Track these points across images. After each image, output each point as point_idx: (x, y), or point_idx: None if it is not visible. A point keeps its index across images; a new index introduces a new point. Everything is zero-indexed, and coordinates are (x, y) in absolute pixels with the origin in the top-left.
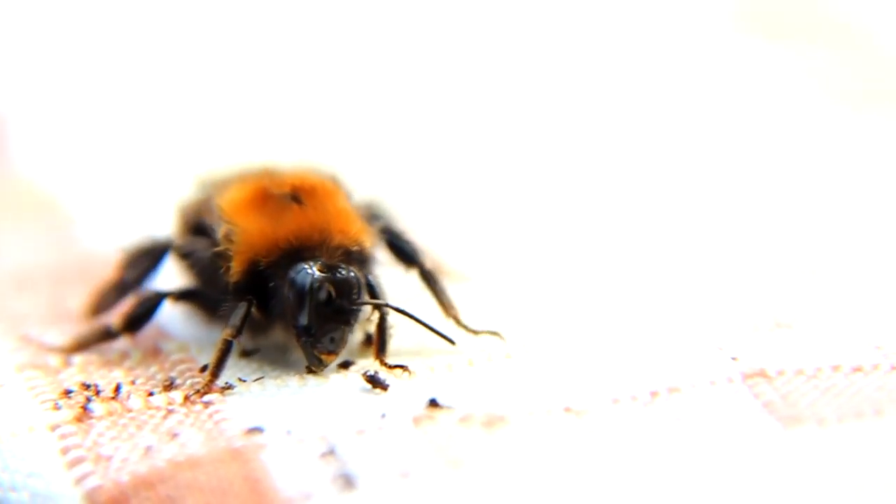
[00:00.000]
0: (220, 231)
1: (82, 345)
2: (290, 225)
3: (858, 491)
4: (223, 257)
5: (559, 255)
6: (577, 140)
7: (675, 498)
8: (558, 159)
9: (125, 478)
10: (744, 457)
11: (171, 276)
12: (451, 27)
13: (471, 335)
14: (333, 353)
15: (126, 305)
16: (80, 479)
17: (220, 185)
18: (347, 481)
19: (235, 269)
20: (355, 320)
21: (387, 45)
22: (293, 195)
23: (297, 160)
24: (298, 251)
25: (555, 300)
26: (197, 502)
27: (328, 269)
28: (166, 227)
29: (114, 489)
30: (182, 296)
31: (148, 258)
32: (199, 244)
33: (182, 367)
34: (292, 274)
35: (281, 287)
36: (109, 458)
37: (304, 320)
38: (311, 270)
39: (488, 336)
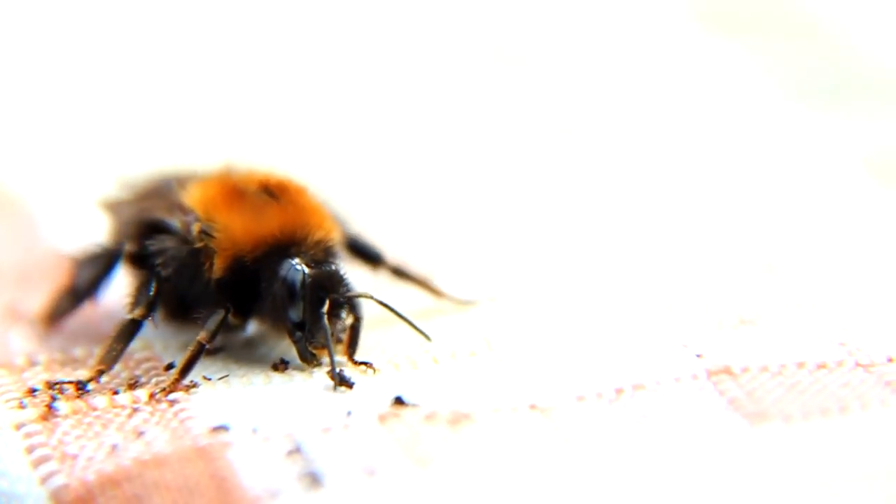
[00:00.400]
0: (193, 229)
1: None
2: (272, 220)
3: (824, 488)
4: (201, 255)
5: (523, 253)
6: (540, 138)
7: (641, 495)
8: (524, 157)
9: (91, 476)
10: (709, 454)
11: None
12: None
13: (467, 306)
14: (324, 347)
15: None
16: (45, 478)
17: (163, 185)
18: (314, 480)
19: (218, 265)
20: (345, 313)
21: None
22: (267, 191)
23: (251, 160)
24: (283, 246)
25: (519, 298)
26: (163, 501)
27: (316, 263)
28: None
29: (80, 488)
30: (151, 304)
31: (100, 263)
32: (168, 243)
33: (147, 365)
34: (283, 270)
35: (266, 283)
36: (75, 457)
37: (297, 316)
38: (302, 266)
39: (486, 302)
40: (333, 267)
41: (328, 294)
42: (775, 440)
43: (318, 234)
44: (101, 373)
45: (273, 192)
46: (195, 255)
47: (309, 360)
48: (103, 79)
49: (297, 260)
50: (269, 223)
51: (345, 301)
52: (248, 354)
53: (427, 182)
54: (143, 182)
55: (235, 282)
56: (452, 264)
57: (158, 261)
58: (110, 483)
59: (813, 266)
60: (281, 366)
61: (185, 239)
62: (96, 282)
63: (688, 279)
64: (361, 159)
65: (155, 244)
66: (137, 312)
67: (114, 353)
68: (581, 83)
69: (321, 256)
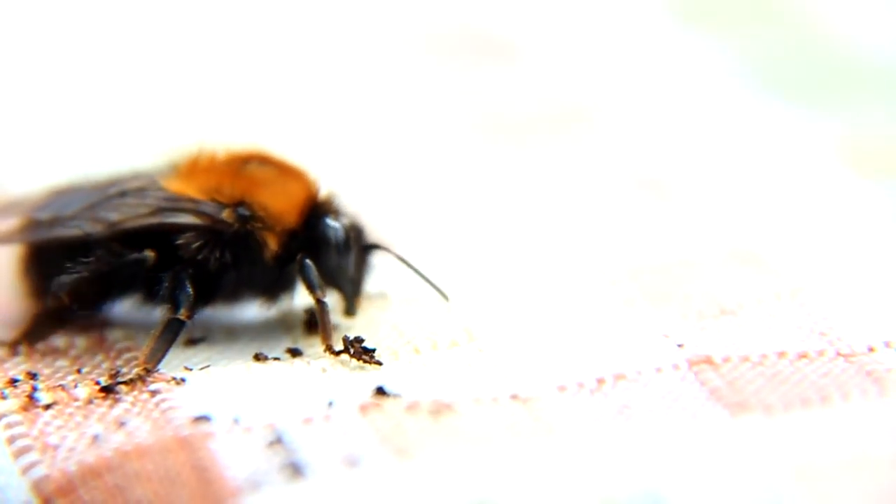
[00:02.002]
0: (225, 216)
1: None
2: (294, 188)
3: (805, 479)
4: (248, 239)
5: (505, 245)
6: (520, 133)
7: (622, 485)
8: (504, 151)
9: (72, 467)
10: (690, 444)
11: None
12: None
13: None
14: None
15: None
16: (26, 469)
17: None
18: (295, 470)
19: (273, 243)
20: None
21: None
22: (259, 163)
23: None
24: (314, 209)
25: (501, 288)
26: (145, 491)
27: (347, 218)
28: None
29: (61, 479)
30: (193, 303)
31: (119, 276)
32: (197, 238)
33: (128, 355)
34: (331, 230)
35: (312, 248)
36: (56, 448)
37: (352, 270)
38: (345, 222)
39: (378, 297)
40: (355, 217)
41: (367, 243)
42: (756, 431)
43: (321, 191)
44: (147, 371)
45: (265, 163)
46: (237, 241)
47: (353, 312)
48: (88, 67)
49: (335, 219)
50: (294, 191)
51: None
52: (229, 345)
53: (407, 176)
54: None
55: (288, 255)
56: (434, 257)
57: (197, 256)
58: (91, 474)
59: (793, 256)
60: (262, 356)
61: (213, 229)
62: (110, 297)
63: (669, 269)
64: (343, 154)
65: (184, 241)
66: (183, 313)
67: (159, 353)
68: (559, 77)
69: (337, 209)
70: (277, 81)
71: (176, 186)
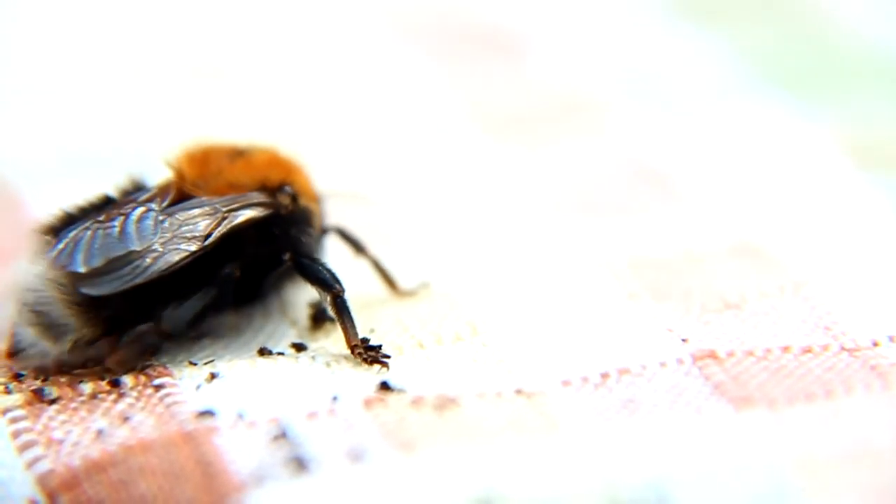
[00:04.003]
0: (282, 200)
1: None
2: (302, 168)
3: (808, 473)
4: (298, 222)
5: (509, 239)
6: (518, 126)
7: (626, 479)
8: (504, 146)
9: (77, 462)
10: (694, 439)
11: None
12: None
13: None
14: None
15: None
16: (31, 464)
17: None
18: (299, 465)
19: (318, 222)
20: None
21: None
22: (259, 150)
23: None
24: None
25: (505, 283)
26: (149, 486)
27: None
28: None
29: (65, 473)
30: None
31: (213, 293)
32: (266, 228)
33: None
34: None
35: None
36: (61, 442)
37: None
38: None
39: (421, 288)
40: None
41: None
42: (760, 425)
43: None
44: (361, 347)
45: (264, 151)
46: (294, 220)
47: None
48: (89, 58)
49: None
50: (304, 171)
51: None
52: (233, 339)
53: (411, 171)
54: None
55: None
56: (436, 250)
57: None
58: (96, 468)
59: (797, 250)
60: (267, 351)
61: (276, 215)
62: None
63: (672, 264)
64: (347, 150)
65: (253, 234)
66: (339, 287)
67: (353, 328)
68: (562, 71)
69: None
70: (281, 76)
71: (213, 185)
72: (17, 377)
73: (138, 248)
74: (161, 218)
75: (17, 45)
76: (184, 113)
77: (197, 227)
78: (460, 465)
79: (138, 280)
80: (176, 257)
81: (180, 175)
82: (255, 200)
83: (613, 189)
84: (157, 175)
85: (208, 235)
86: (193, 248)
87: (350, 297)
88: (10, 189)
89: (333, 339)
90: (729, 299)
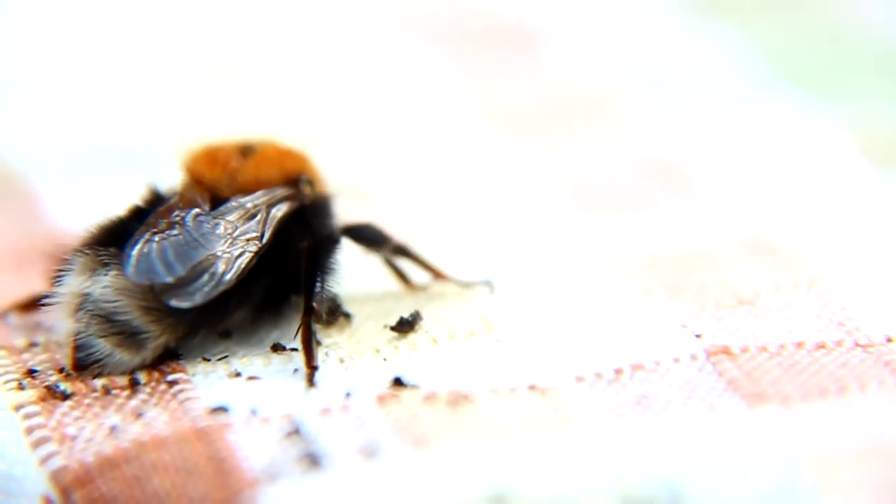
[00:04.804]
0: (305, 188)
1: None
2: (310, 157)
3: (822, 469)
4: (325, 204)
5: (523, 235)
6: (531, 122)
7: (639, 476)
8: (518, 142)
9: (90, 458)
10: (708, 435)
11: None
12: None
13: (467, 289)
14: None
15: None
16: (44, 460)
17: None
18: (313, 461)
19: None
20: None
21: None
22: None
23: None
24: None
25: (519, 279)
26: (162, 482)
27: None
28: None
29: (79, 469)
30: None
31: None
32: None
33: None
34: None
35: None
36: (74, 439)
37: None
38: None
39: (481, 285)
40: None
41: None
42: (773, 421)
43: None
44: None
45: (267, 144)
46: (316, 210)
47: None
48: (103, 55)
49: None
50: (313, 161)
51: None
52: (247, 336)
53: (426, 167)
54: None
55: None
56: (450, 247)
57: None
58: (109, 464)
59: (811, 246)
60: (280, 347)
61: (303, 206)
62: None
63: (687, 260)
64: (360, 146)
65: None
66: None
67: None
68: (576, 66)
69: None
70: (293, 73)
71: (237, 184)
72: (31, 373)
73: (212, 254)
74: (215, 222)
75: (32, 42)
76: (196, 109)
77: (250, 227)
78: (473, 462)
79: (223, 286)
80: (245, 259)
81: (199, 177)
82: (284, 194)
83: (628, 185)
84: (168, 172)
85: (262, 234)
86: (254, 248)
87: (364, 291)
88: (26, 186)
89: (347, 335)
90: (743, 295)
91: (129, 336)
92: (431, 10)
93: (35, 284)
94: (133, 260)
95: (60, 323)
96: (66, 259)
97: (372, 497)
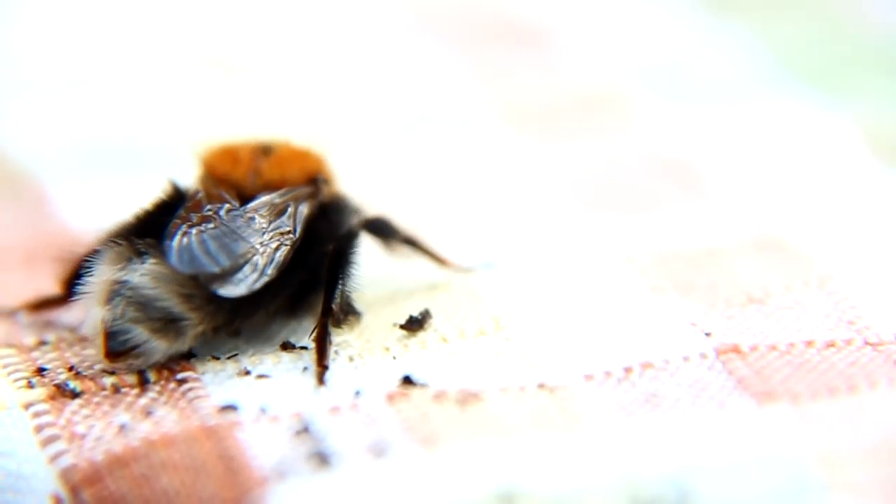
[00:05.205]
0: (322, 188)
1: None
2: (323, 156)
3: (831, 468)
4: (342, 203)
5: (533, 232)
6: (540, 113)
7: (648, 474)
8: (529, 139)
9: (99, 457)
10: (717, 434)
11: None
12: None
13: (469, 273)
14: None
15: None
16: (54, 458)
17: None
18: (322, 460)
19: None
20: None
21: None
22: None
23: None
24: None
25: (528, 277)
26: (171, 480)
27: None
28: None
29: (88, 468)
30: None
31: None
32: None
33: None
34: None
35: None
36: (83, 437)
37: None
38: None
39: (482, 268)
40: None
41: None
42: (783, 420)
43: None
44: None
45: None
46: (334, 209)
47: None
48: (112, 50)
49: None
50: (327, 161)
51: None
52: (257, 334)
53: (435, 163)
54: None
55: None
56: (460, 242)
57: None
58: (118, 463)
59: (821, 244)
60: (290, 345)
61: (322, 204)
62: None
63: (696, 257)
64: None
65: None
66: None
67: None
68: (587, 64)
69: None
70: (303, 70)
71: (261, 183)
72: (40, 371)
73: (251, 246)
74: (249, 216)
75: (41, 40)
76: (206, 107)
77: (282, 221)
78: (482, 460)
79: (267, 277)
80: (284, 252)
81: (223, 175)
82: (307, 192)
83: (638, 183)
84: (177, 169)
85: (294, 229)
86: (290, 241)
87: (376, 290)
88: (35, 184)
89: (357, 334)
90: (753, 293)
91: (168, 323)
92: (443, 7)
93: (44, 282)
94: (175, 251)
95: (90, 311)
96: (95, 249)
97: (381, 496)
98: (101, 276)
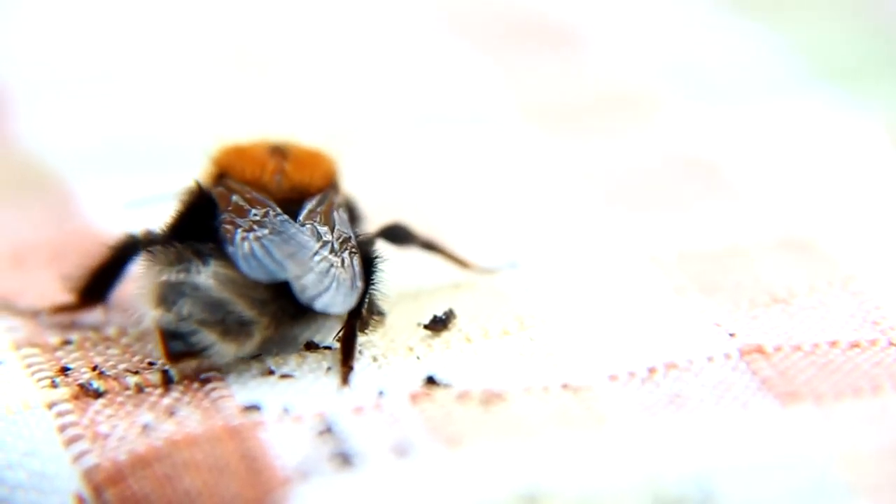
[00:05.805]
0: (340, 198)
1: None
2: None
3: (855, 469)
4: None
5: (557, 232)
6: (561, 114)
7: (672, 475)
8: (553, 138)
9: (122, 456)
10: (741, 434)
11: None
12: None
13: (492, 274)
14: None
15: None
16: (77, 458)
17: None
18: (345, 460)
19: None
20: None
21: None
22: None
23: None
24: None
25: (553, 276)
26: (194, 481)
27: None
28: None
29: (111, 468)
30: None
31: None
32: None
33: None
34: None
35: None
36: (107, 437)
37: None
38: None
39: (507, 268)
40: None
41: None
42: (807, 420)
43: None
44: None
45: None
46: (349, 210)
47: None
48: (136, 49)
49: None
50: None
51: None
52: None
53: (461, 162)
54: None
55: None
56: (484, 242)
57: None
58: (141, 463)
59: (845, 244)
60: (314, 345)
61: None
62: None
63: (720, 257)
64: (398, 140)
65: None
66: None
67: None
68: (613, 63)
69: None
70: (327, 69)
71: (286, 186)
72: (64, 371)
73: (314, 251)
74: (301, 223)
75: (66, 39)
76: (227, 105)
77: (339, 230)
78: (506, 460)
79: (359, 289)
80: (357, 260)
81: (250, 178)
82: (341, 198)
83: (663, 182)
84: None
85: (351, 235)
86: (356, 250)
87: (398, 289)
88: (60, 182)
89: (380, 334)
90: (777, 294)
91: (235, 326)
92: (468, 6)
93: (69, 281)
94: (242, 257)
95: (146, 313)
96: (150, 252)
97: (404, 496)
98: (154, 278)
